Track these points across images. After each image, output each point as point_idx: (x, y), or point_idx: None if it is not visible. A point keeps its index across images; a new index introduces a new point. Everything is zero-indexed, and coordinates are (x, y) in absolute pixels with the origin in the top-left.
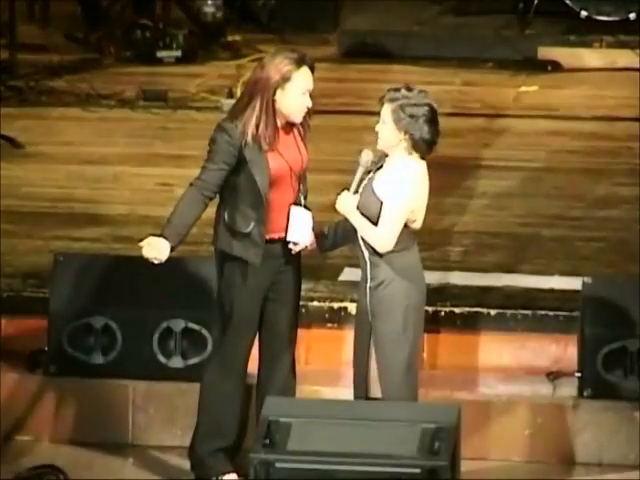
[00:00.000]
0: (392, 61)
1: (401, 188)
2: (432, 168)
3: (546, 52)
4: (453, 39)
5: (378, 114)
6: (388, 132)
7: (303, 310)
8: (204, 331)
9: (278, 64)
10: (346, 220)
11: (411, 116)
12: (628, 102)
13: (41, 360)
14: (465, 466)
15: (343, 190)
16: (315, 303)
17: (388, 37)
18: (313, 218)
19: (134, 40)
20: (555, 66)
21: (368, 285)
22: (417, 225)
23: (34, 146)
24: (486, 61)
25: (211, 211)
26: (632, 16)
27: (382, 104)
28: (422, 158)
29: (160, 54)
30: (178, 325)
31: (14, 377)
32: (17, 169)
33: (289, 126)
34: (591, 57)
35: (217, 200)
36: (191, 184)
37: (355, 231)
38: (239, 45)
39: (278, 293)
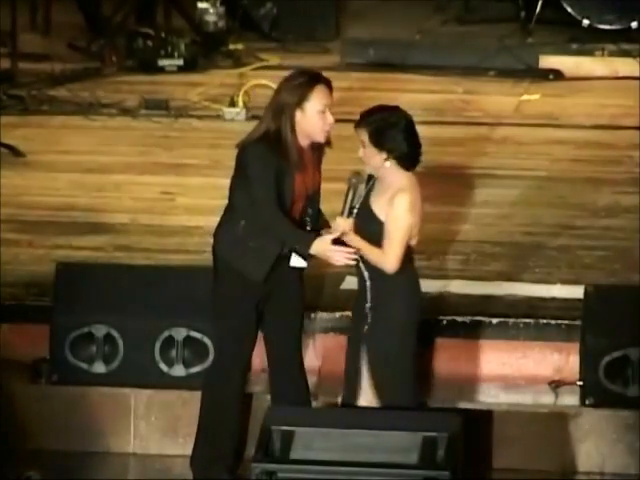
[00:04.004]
0: (394, 70)
1: (399, 207)
2: (433, 177)
3: (548, 61)
4: (455, 48)
5: None
6: (371, 155)
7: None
8: (206, 339)
9: (293, 86)
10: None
11: (389, 135)
12: (630, 111)
13: (43, 369)
14: (467, 474)
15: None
16: (318, 312)
17: (390, 46)
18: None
19: (136, 49)
20: (557, 75)
21: (368, 305)
22: (414, 241)
23: (35, 155)
24: (488, 70)
25: (213, 220)
26: (634, 25)
27: (358, 130)
28: (408, 170)
29: (162, 63)
30: (180, 334)
31: (16, 386)
32: (18, 178)
33: (311, 148)
34: (593, 66)
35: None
36: (274, 211)
37: None
38: (241, 54)
39: (281, 302)
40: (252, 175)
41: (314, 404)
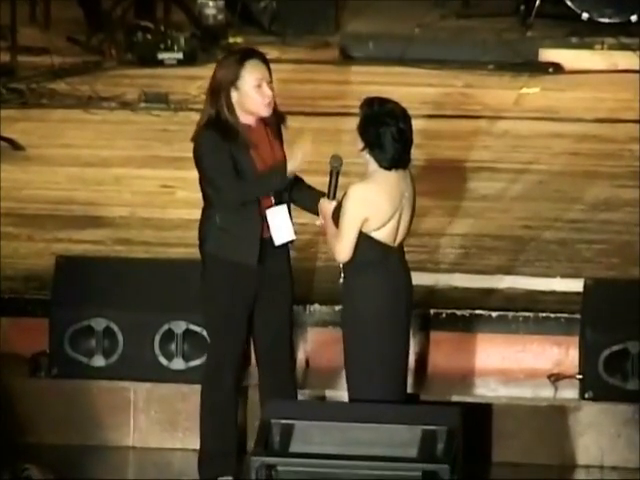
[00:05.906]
0: (393, 64)
1: (352, 198)
2: (432, 170)
3: (547, 54)
4: (454, 42)
5: None
6: (356, 139)
7: (307, 312)
8: (205, 333)
9: (224, 66)
10: None
11: (373, 130)
12: (629, 104)
13: (42, 362)
14: (466, 468)
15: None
16: (316, 305)
17: (389, 40)
18: (289, 209)
19: (135, 42)
20: (556, 68)
21: (343, 300)
22: (382, 236)
23: (35, 148)
24: (487, 64)
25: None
26: (633, 18)
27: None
28: (390, 169)
29: (161, 56)
30: (179, 327)
31: (16, 380)
32: (18, 171)
33: (262, 125)
34: (592, 59)
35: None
36: (239, 189)
37: None
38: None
39: (271, 293)
40: (207, 166)
41: (300, 397)
